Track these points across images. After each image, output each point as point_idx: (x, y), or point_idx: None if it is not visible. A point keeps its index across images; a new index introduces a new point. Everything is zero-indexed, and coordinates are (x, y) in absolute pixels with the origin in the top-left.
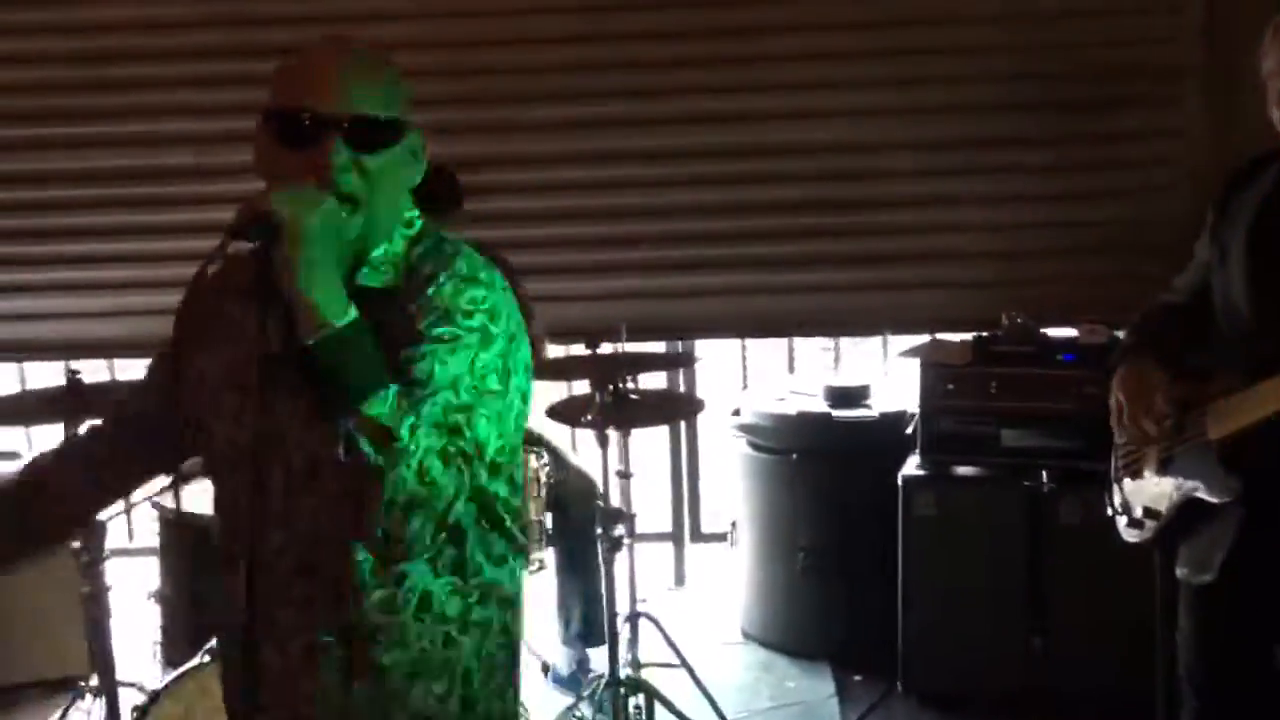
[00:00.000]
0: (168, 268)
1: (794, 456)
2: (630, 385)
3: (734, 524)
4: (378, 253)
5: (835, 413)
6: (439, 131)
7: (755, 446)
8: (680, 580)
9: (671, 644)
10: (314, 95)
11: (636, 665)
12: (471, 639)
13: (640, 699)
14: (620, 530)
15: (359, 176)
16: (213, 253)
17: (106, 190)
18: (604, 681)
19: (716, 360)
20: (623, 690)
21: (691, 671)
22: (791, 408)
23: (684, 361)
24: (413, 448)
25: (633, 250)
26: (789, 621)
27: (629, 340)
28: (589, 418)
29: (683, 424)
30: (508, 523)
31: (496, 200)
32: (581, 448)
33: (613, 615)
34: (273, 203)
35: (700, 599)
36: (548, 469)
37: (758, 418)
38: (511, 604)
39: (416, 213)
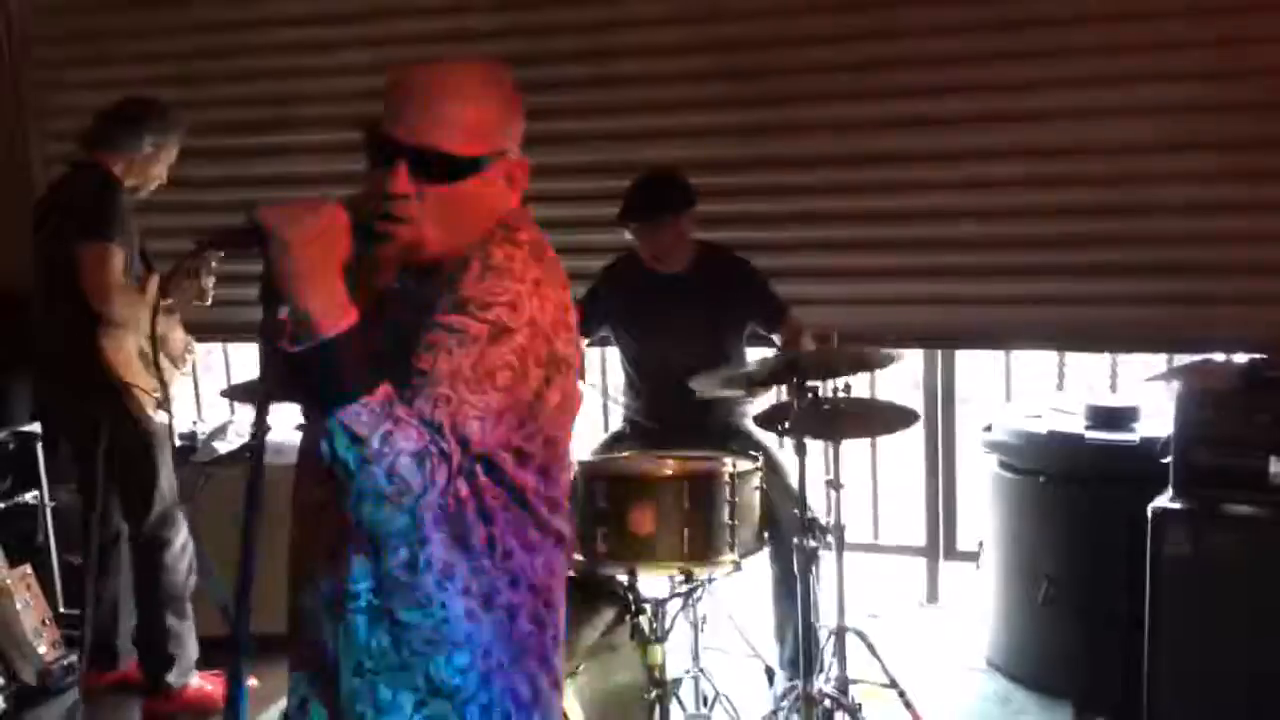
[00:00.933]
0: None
1: (1041, 479)
2: (836, 393)
3: (980, 544)
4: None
5: (1089, 435)
6: (708, 134)
7: (1004, 465)
8: (933, 597)
9: (880, 663)
10: (395, 120)
11: (845, 683)
12: (496, 618)
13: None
14: (818, 543)
15: (417, 203)
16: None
17: None
18: (795, 695)
19: (983, 372)
20: (825, 706)
21: (902, 694)
22: (1043, 426)
23: (871, 364)
24: (384, 451)
25: (906, 255)
26: (1031, 653)
27: (905, 346)
28: (784, 425)
29: (939, 436)
30: (539, 510)
31: (771, 202)
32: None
33: (810, 628)
34: (263, 216)
35: (951, 619)
36: (762, 477)
37: (1008, 435)
38: (546, 592)
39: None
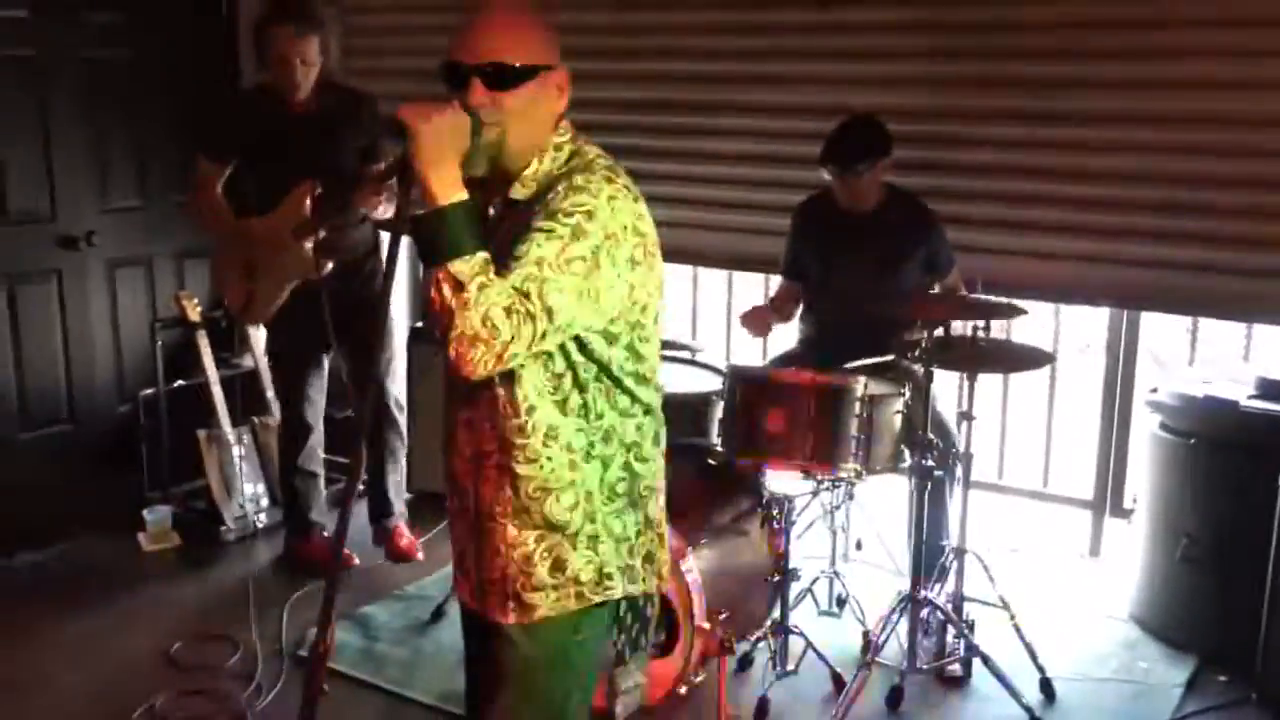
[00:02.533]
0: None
1: (1192, 440)
2: (978, 332)
3: (1134, 500)
4: (528, 171)
5: (1245, 403)
6: (918, 83)
7: (1163, 426)
8: (1095, 551)
9: (993, 583)
10: (463, 49)
11: (960, 599)
12: (593, 467)
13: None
14: (947, 468)
15: (495, 108)
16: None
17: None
18: (902, 599)
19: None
20: (937, 618)
21: (1013, 617)
22: (1201, 391)
23: (1000, 313)
24: (480, 300)
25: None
26: (1165, 607)
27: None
28: (913, 354)
29: (1117, 395)
30: (626, 382)
31: (967, 153)
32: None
33: (936, 547)
34: (401, 113)
35: (1108, 573)
36: (905, 402)
37: (1169, 397)
38: (636, 447)
39: (567, 137)
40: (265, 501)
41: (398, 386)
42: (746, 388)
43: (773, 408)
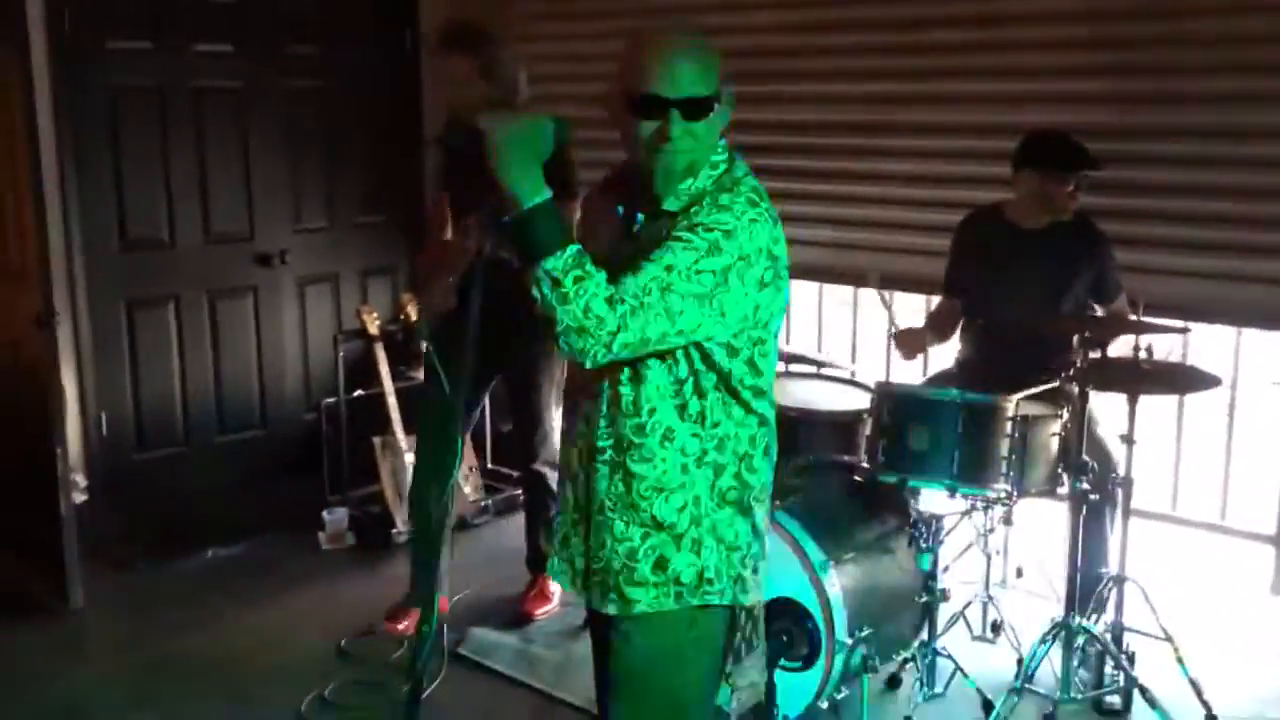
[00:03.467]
0: (911, 212)
1: None
2: (1143, 353)
3: None
4: (684, 185)
5: None
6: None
7: None
8: (1278, 589)
9: (1155, 613)
10: (659, 83)
11: (1119, 629)
12: (705, 473)
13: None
14: (1106, 494)
15: (691, 138)
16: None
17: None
18: (1056, 625)
19: None
20: (1096, 648)
21: (1176, 651)
22: None
23: (1158, 330)
24: (578, 292)
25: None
26: None
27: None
28: (1067, 374)
29: None
30: (743, 394)
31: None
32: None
33: (1094, 574)
34: (480, 122)
35: None
36: (1064, 424)
37: None
38: (748, 458)
39: (724, 156)
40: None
41: (549, 448)
42: (893, 404)
43: (918, 425)
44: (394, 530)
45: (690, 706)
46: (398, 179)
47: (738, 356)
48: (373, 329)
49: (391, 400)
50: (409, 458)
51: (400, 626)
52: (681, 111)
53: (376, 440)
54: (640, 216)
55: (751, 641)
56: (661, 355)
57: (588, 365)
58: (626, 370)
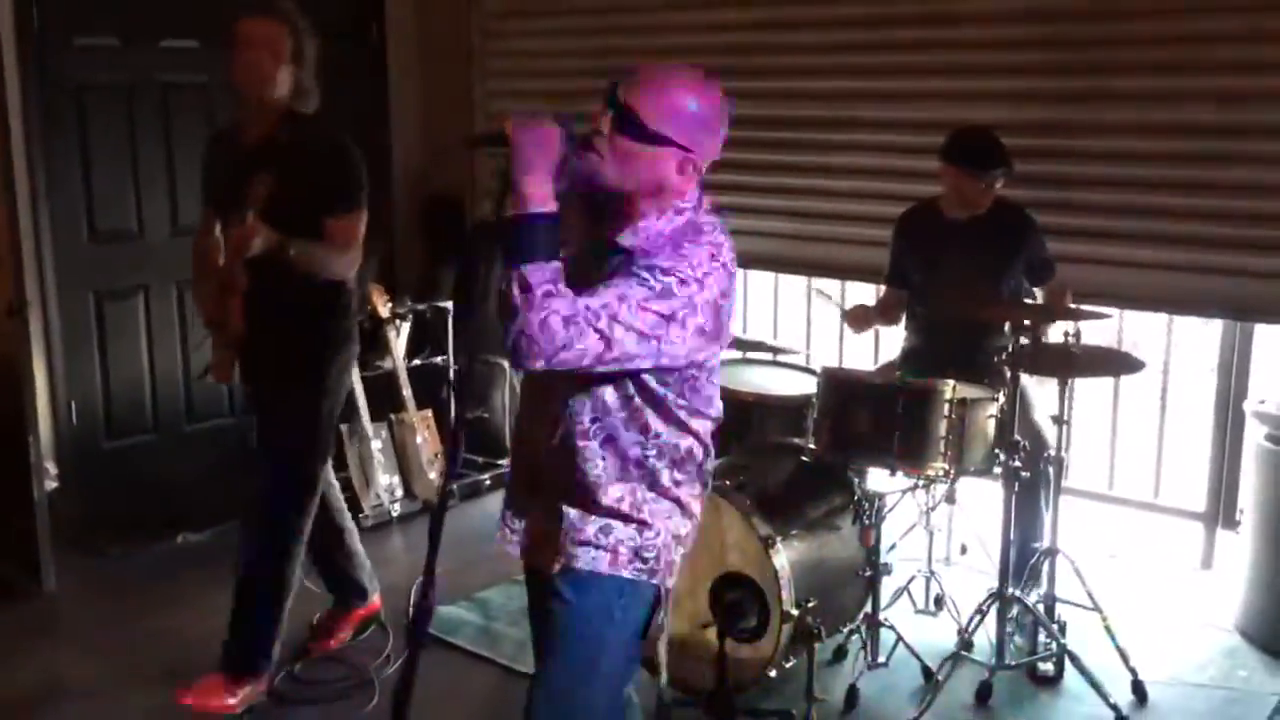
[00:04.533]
0: (865, 205)
1: None
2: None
3: (1241, 511)
4: (643, 223)
5: None
6: (1026, 98)
7: (1269, 437)
8: (1207, 564)
9: (1085, 585)
10: (626, 83)
11: (1052, 600)
12: (645, 472)
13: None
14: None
15: (607, 143)
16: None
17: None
18: (991, 595)
19: None
20: (1030, 619)
21: (1105, 620)
22: None
23: (1086, 317)
24: (543, 304)
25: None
26: (1269, 617)
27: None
28: (1002, 359)
29: (1230, 407)
30: (677, 414)
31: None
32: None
33: (1029, 549)
34: (504, 123)
35: (1218, 586)
36: (1000, 407)
37: (1276, 409)
38: (685, 462)
39: (689, 206)
40: (400, 493)
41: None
42: (837, 388)
43: (861, 408)
44: (361, 515)
45: (607, 667)
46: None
47: (668, 387)
48: None
49: (358, 388)
50: (375, 444)
51: (333, 642)
52: (617, 117)
53: (344, 427)
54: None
55: (663, 624)
56: (607, 374)
57: (526, 369)
58: (578, 380)
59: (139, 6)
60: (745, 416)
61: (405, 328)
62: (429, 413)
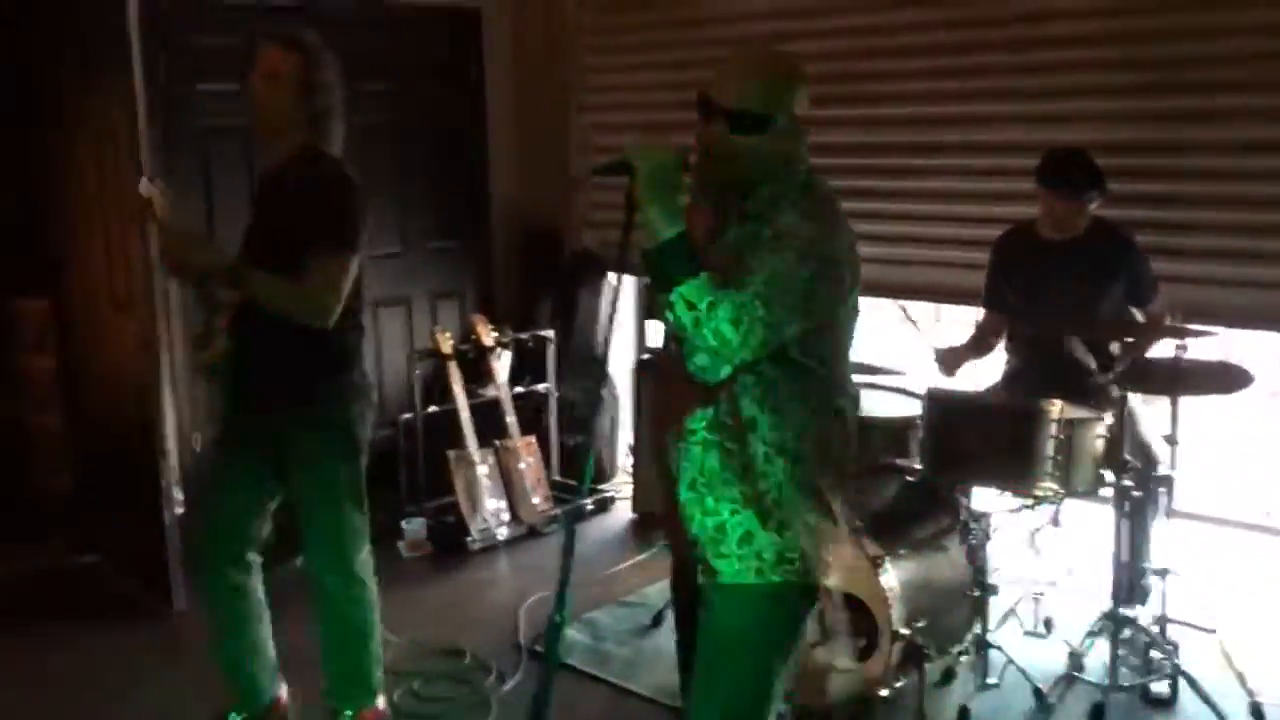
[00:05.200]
0: (956, 228)
1: None
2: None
3: None
4: (764, 191)
5: None
6: (1123, 119)
7: None
8: None
9: (1199, 607)
10: (717, 88)
11: (1164, 621)
12: (785, 461)
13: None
14: (1149, 490)
15: (729, 147)
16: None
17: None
18: (1104, 617)
19: None
20: (1141, 638)
21: (1220, 642)
22: None
23: (1193, 335)
24: (711, 316)
25: None
26: None
27: None
28: (1112, 376)
29: None
30: (820, 388)
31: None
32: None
33: (1139, 569)
34: (626, 152)
35: None
36: (1109, 428)
37: None
38: (824, 446)
39: (803, 169)
40: (506, 516)
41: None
42: (944, 409)
43: (968, 429)
44: (469, 538)
45: (761, 675)
46: (465, 207)
47: (812, 354)
48: (446, 348)
49: (465, 415)
50: (482, 470)
51: None
52: (729, 122)
53: (451, 453)
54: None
55: (824, 619)
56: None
57: (713, 382)
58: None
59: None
60: None
61: (507, 356)
62: (532, 439)
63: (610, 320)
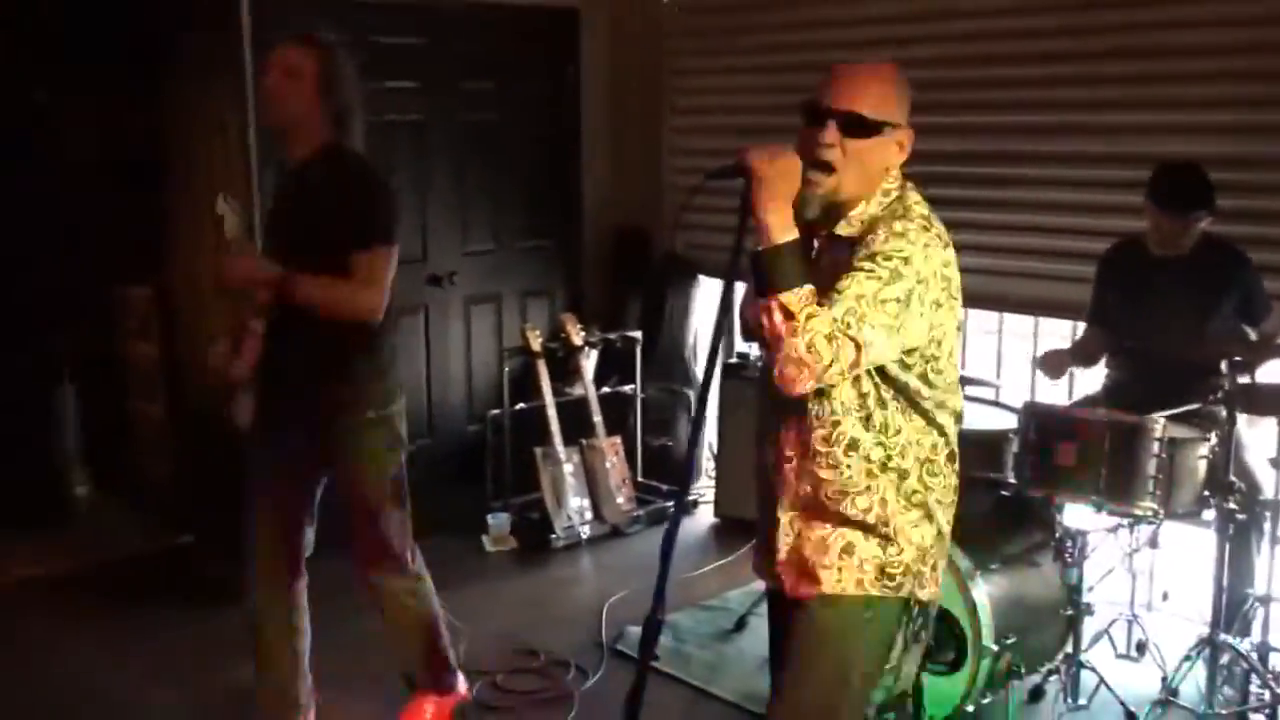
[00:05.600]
0: (1071, 240)
1: None
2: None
3: None
4: (856, 211)
5: None
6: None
7: None
8: None
9: None
10: (827, 93)
11: (1265, 649)
12: (889, 477)
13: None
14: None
15: (840, 153)
16: (694, 186)
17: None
18: (1201, 642)
19: None
20: (1241, 666)
21: None
22: None
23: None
24: (807, 327)
25: None
26: None
27: None
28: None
29: None
30: (921, 404)
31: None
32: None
33: (1240, 595)
34: (744, 156)
35: None
36: (1211, 448)
37: None
38: (929, 464)
39: (895, 185)
40: (589, 515)
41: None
42: (1041, 422)
43: (1066, 442)
44: (553, 535)
45: (853, 686)
46: (558, 206)
47: (910, 371)
48: (535, 346)
49: (551, 413)
50: (567, 468)
51: None
52: (839, 124)
53: (537, 450)
54: (815, 242)
55: (920, 635)
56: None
57: (794, 392)
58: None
59: (367, 52)
60: None
61: (595, 355)
62: (618, 439)
63: (708, 324)
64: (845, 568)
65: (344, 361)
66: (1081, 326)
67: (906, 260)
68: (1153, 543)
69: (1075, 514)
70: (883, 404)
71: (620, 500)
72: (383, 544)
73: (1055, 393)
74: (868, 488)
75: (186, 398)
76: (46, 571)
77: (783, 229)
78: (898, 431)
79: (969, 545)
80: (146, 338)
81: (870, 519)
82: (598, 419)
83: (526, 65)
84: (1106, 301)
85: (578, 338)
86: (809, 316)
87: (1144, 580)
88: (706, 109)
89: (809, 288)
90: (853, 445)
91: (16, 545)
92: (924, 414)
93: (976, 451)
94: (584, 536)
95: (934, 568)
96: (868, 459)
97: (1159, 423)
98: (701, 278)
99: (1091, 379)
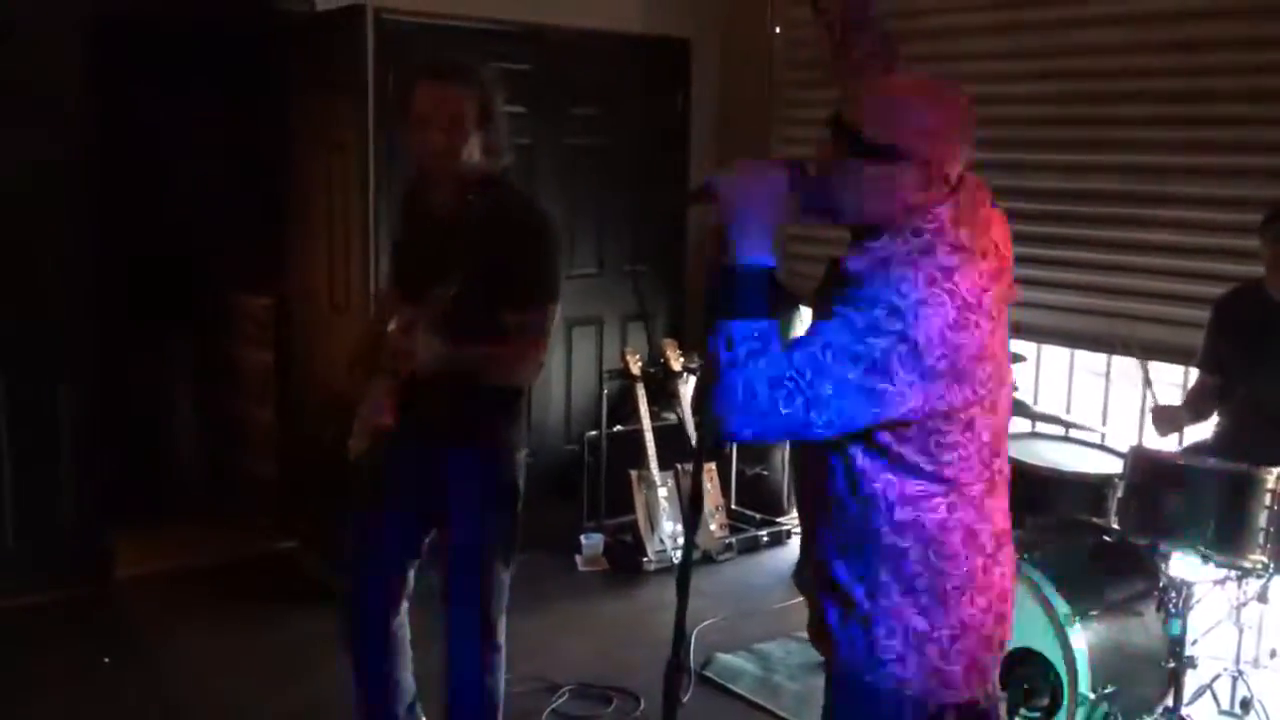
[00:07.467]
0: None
1: None
2: None
3: None
4: (875, 241)
5: None
6: None
7: None
8: None
9: None
10: (846, 110)
11: None
12: (884, 554)
13: None
14: None
15: (839, 169)
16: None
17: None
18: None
19: None
20: None
21: None
22: None
23: None
24: (747, 365)
25: None
26: None
27: None
28: None
29: None
30: (920, 477)
31: None
32: None
33: None
34: (709, 180)
35: None
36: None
37: None
38: (936, 543)
39: (932, 225)
40: (682, 540)
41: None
42: (1148, 468)
43: (1174, 491)
44: (645, 559)
45: None
46: (661, 232)
47: (908, 444)
48: (635, 370)
49: (649, 437)
50: (662, 492)
51: None
52: (845, 140)
53: (633, 473)
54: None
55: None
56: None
57: (731, 438)
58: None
59: (549, 79)
60: (1038, 492)
61: (693, 381)
62: (713, 466)
63: None
64: (839, 639)
65: (475, 412)
66: (1194, 373)
67: (892, 312)
68: (1262, 597)
69: (1180, 564)
70: (866, 475)
71: (714, 527)
72: (476, 604)
73: (1164, 440)
74: (859, 558)
75: (296, 405)
76: (158, 569)
77: (749, 252)
78: (892, 505)
79: (1068, 588)
80: (262, 345)
81: (857, 594)
82: (695, 444)
83: (635, 92)
84: (1220, 348)
85: (677, 363)
86: (751, 354)
87: (1251, 635)
88: (814, 140)
89: (766, 323)
90: (840, 507)
91: (131, 542)
92: (925, 493)
93: (1076, 494)
94: (676, 561)
95: (971, 665)
96: (860, 530)
97: (1272, 473)
98: (802, 307)
99: (1202, 427)
